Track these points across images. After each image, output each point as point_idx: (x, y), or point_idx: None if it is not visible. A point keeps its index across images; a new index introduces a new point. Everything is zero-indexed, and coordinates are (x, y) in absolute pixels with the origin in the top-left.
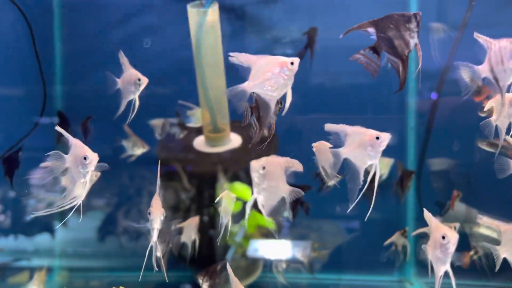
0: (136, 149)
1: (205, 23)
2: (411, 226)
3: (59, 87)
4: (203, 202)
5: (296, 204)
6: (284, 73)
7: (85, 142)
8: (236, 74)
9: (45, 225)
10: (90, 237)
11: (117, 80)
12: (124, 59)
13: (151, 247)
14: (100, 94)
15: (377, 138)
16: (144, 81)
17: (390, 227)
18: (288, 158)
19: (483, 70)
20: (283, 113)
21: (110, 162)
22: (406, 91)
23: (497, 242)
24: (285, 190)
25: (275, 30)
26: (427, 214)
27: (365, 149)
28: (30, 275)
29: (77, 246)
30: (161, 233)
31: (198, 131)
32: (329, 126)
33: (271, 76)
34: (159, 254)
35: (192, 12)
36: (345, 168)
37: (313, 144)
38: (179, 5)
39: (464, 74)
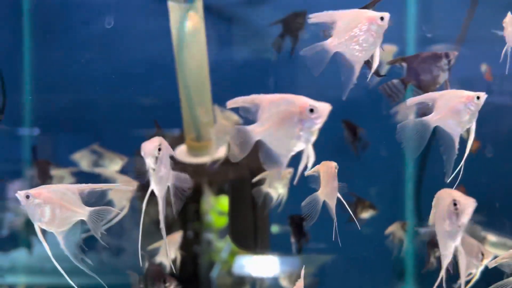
0: (114, 165)
1: (188, 21)
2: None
3: (28, 96)
4: (188, 217)
5: (300, 236)
6: (372, 30)
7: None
8: None
9: (22, 240)
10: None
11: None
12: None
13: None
14: (73, 104)
15: (478, 98)
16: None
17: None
18: None
19: None
20: (368, 79)
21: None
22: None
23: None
24: None
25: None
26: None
27: (459, 113)
28: None
29: (57, 262)
30: None
31: (181, 139)
32: (411, 100)
33: (358, 33)
34: None
35: (173, 7)
36: (438, 138)
37: None
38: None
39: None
